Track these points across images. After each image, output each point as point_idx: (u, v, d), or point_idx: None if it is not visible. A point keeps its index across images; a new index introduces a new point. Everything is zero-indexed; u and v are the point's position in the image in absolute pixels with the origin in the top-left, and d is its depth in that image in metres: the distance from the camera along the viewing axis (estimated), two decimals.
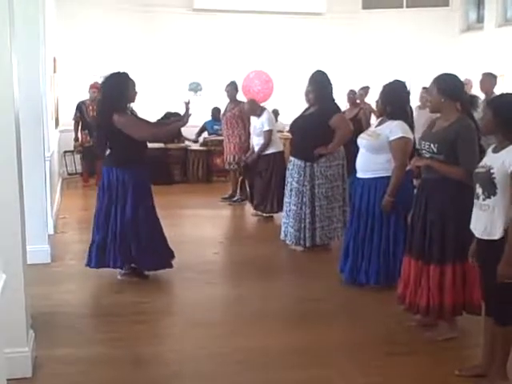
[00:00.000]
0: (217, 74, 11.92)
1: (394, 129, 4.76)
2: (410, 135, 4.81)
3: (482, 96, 6.96)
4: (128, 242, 5.10)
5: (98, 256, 5.16)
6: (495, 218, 3.21)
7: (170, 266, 5.33)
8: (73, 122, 10.39)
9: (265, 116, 7.98)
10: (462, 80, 4.25)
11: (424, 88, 8.19)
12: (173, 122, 5.48)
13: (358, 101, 8.53)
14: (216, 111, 11.29)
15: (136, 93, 5.21)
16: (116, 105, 5.01)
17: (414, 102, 5.23)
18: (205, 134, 11.46)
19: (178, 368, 3.70)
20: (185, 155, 11.07)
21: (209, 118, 11.46)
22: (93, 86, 10.21)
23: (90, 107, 10.15)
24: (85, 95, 10.45)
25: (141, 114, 5.92)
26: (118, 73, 5.16)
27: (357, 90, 9.11)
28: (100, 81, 10.06)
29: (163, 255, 5.29)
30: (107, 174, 5.14)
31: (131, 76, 5.20)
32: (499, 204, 3.19)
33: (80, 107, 10.35)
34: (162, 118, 10.88)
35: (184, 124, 5.41)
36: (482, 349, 3.54)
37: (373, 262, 4.94)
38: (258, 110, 8.10)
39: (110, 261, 5.16)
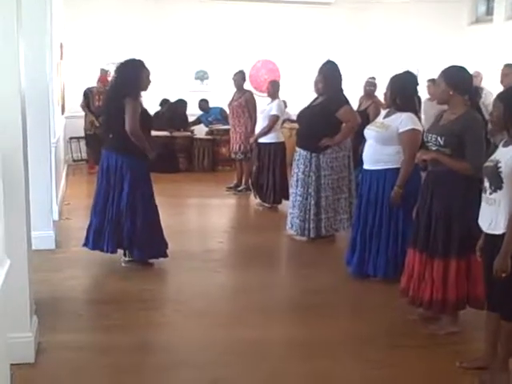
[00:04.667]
0: (224, 63, 11.87)
1: (404, 120, 4.73)
2: (420, 127, 4.79)
3: (494, 89, 6.82)
4: (122, 228, 5.13)
5: (95, 238, 5.21)
6: (500, 213, 3.19)
7: (165, 255, 5.32)
8: (81, 109, 10.41)
9: (276, 102, 8.00)
10: (472, 73, 4.21)
11: (430, 80, 8.10)
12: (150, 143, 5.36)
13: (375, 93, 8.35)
14: (203, 103, 11.35)
15: (149, 82, 5.22)
16: (130, 89, 5.02)
17: (423, 93, 5.17)
18: (203, 127, 11.50)
19: (181, 356, 3.71)
20: (190, 144, 11.06)
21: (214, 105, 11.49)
22: (102, 80, 10.21)
23: (97, 96, 10.14)
24: (91, 82, 10.45)
25: (147, 102, 5.84)
26: (134, 59, 5.19)
27: (372, 81, 8.76)
28: (107, 67, 10.15)
29: (158, 245, 5.29)
30: (107, 159, 5.17)
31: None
32: (504, 198, 3.18)
33: (87, 94, 10.36)
34: (159, 105, 10.98)
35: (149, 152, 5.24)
36: (485, 342, 3.54)
37: (381, 254, 4.92)
38: (277, 93, 8.11)
39: (104, 245, 5.20)
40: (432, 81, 7.96)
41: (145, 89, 5.24)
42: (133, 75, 5.07)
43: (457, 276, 3.92)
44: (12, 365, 2.97)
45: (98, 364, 3.60)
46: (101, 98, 9.88)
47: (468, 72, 4.04)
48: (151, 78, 5.24)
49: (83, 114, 10.44)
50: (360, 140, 5.38)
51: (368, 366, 3.64)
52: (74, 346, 3.77)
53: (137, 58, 5.22)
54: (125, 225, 5.13)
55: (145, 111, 5.26)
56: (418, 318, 4.26)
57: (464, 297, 3.96)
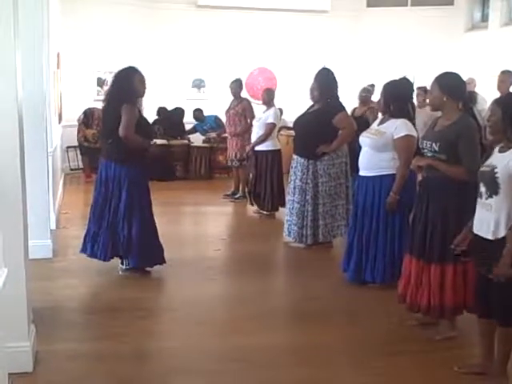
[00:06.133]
0: (220, 71, 11.92)
1: (399, 127, 4.75)
2: (414, 133, 4.81)
3: (489, 95, 6.83)
4: (118, 236, 5.14)
5: (93, 246, 5.23)
6: (496, 218, 3.20)
7: (163, 261, 5.32)
8: (77, 123, 10.40)
9: (272, 110, 8.02)
10: (466, 79, 4.23)
11: (419, 88, 8.06)
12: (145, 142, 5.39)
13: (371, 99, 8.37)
14: (198, 113, 11.38)
15: (145, 87, 5.23)
16: (126, 96, 5.04)
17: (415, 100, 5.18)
18: (199, 135, 11.53)
19: (178, 364, 3.71)
20: (187, 152, 11.07)
21: (209, 114, 11.52)
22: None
23: (96, 122, 10.10)
24: (88, 91, 10.45)
25: (146, 110, 5.86)
26: (127, 67, 5.22)
27: (367, 87, 8.79)
28: (104, 76, 10.17)
29: (155, 252, 5.29)
30: (105, 168, 5.17)
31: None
32: (501, 204, 3.19)
33: (87, 113, 10.33)
34: (156, 114, 10.97)
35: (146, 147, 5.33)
36: (480, 348, 3.56)
37: (378, 260, 4.93)
38: (272, 101, 8.13)
39: (100, 253, 5.20)
40: (420, 89, 7.95)
41: (142, 94, 5.25)
42: (126, 82, 5.09)
43: (454, 281, 3.93)
44: (10, 374, 2.97)
45: (96, 372, 3.59)
46: (100, 123, 9.89)
47: (461, 78, 4.06)
48: (148, 85, 5.25)
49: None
50: (356, 147, 5.39)
51: (366, 372, 3.64)
52: (72, 355, 3.76)
53: (131, 66, 5.24)
54: (121, 233, 5.14)
55: (144, 120, 5.28)
56: (415, 324, 4.27)
57: (461, 302, 3.96)
